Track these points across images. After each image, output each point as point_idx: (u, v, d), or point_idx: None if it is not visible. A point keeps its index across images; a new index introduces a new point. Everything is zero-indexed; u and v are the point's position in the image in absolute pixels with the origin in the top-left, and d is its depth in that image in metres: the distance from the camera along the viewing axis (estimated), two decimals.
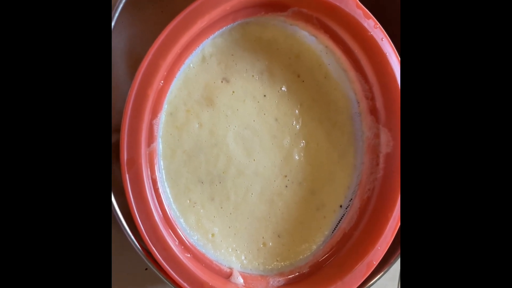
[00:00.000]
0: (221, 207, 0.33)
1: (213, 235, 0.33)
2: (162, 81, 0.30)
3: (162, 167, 0.32)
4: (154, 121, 0.31)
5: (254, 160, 0.34)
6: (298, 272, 0.34)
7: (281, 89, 0.34)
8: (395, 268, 0.34)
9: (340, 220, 0.35)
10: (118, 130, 0.29)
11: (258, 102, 0.34)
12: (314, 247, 0.35)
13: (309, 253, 0.35)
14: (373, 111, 0.35)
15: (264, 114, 0.34)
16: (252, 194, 0.34)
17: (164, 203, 0.31)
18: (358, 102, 0.35)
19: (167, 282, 0.30)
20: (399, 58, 0.32)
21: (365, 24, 0.32)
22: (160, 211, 0.30)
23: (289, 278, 0.34)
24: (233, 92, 0.34)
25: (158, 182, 0.31)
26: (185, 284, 0.29)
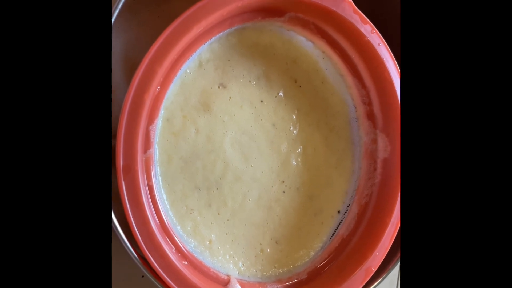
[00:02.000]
0: (218, 214, 0.33)
1: (210, 242, 0.33)
2: (158, 87, 0.30)
3: (159, 174, 0.32)
4: (151, 127, 0.30)
5: (251, 166, 0.34)
6: (296, 279, 0.34)
7: (278, 94, 0.34)
8: (394, 273, 0.34)
9: (338, 226, 0.35)
10: (114, 136, 0.29)
11: (255, 107, 0.34)
12: (312, 253, 0.35)
13: (307, 260, 0.35)
14: (370, 116, 0.35)
15: (261, 119, 0.34)
16: (249, 200, 0.34)
17: (161, 210, 0.31)
18: (355, 107, 0.35)
19: None
20: (396, 63, 0.32)
21: (362, 29, 0.32)
22: (156, 218, 0.30)
23: (287, 285, 0.33)
24: (230, 97, 0.33)
25: (155, 189, 0.30)
26: None
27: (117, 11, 0.30)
